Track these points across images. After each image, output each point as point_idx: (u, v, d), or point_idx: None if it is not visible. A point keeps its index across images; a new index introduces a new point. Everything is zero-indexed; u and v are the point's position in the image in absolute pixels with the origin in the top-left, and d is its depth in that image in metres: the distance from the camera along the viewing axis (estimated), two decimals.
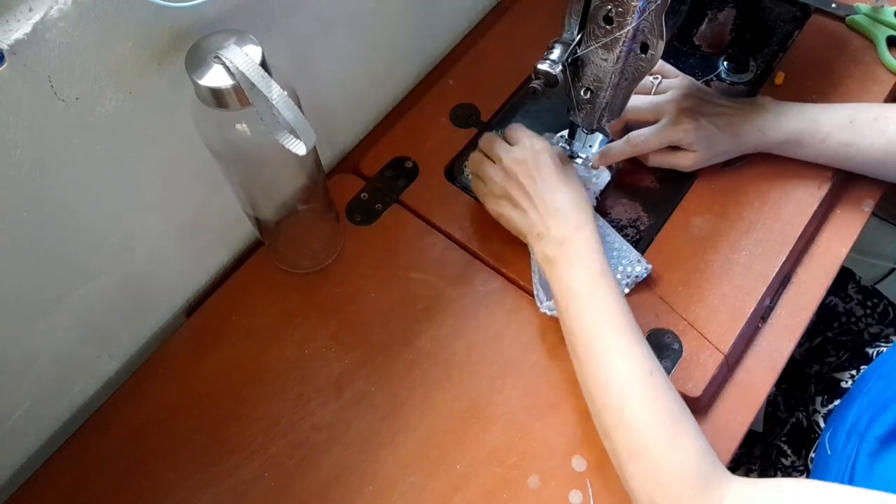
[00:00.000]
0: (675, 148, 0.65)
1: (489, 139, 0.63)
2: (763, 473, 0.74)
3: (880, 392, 0.56)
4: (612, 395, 0.51)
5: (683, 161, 0.65)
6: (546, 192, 0.58)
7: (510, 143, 0.62)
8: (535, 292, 0.61)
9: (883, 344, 0.71)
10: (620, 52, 0.52)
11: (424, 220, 0.67)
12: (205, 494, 0.55)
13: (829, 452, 0.58)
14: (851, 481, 0.53)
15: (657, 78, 0.68)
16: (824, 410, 0.67)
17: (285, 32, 0.55)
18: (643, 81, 0.67)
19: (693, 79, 0.67)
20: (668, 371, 0.58)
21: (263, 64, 0.42)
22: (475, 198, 0.68)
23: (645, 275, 0.61)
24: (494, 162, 0.62)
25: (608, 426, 0.51)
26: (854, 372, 0.69)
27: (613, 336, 0.52)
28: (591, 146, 0.67)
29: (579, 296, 0.54)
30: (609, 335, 0.52)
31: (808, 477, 0.67)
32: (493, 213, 0.62)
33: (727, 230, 0.64)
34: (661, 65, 0.69)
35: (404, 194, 0.68)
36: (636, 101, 0.65)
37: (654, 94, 0.67)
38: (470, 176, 0.66)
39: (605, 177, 0.66)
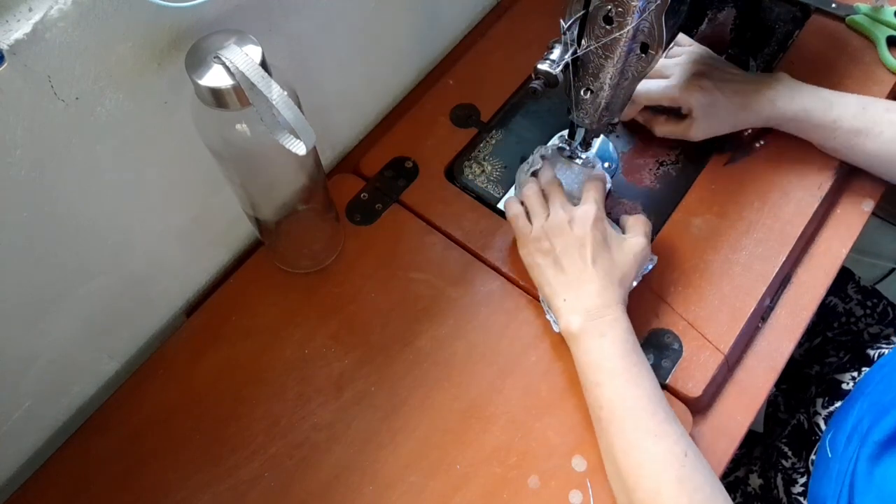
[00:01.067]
0: (681, 117, 0.65)
1: (553, 179, 0.62)
2: (763, 475, 0.74)
3: (881, 395, 0.56)
4: (646, 477, 0.49)
5: (688, 131, 0.64)
6: (596, 262, 0.56)
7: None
8: (547, 316, 0.60)
9: (884, 344, 0.71)
10: (620, 52, 0.52)
11: (424, 220, 0.67)
12: (205, 494, 0.55)
13: (830, 455, 0.58)
14: (852, 485, 0.53)
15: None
16: (825, 412, 0.67)
17: (285, 32, 0.55)
18: None
19: (707, 48, 0.67)
20: (668, 371, 0.58)
21: (263, 64, 0.42)
22: (475, 198, 0.68)
23: (651, 266, 0.61)
24: (548, 206, 0.60)
25: None
26: (855, 374, 0.69)
27: (646, 415, 0.51)
28: (590, 146, 0.67)
29: (610, 371, 0.53)
30: (642, 414, 0.51)
31: (808, 479, 0.67)
32: (525, 257, 0.60)
33: (727, 230, 0.64)
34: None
35: (404, 194, 0.68)
36: (646, 84, 0.65)
37: (665, 58, 0.67)
38: (506, 204, 0.63)
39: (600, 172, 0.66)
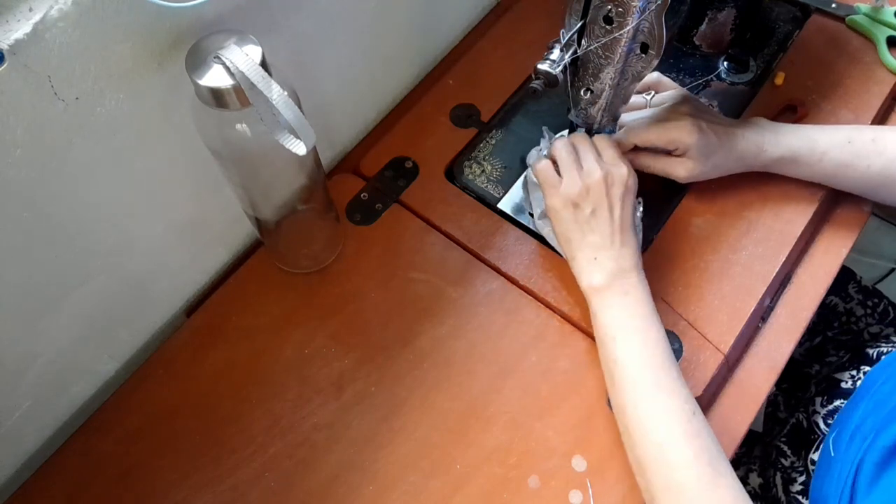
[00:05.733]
0: (669, 155, 0.63)
1: (583, 134, 0.60)
2: (763, 474, 0.74)
3: (887, 396, 0.56)
4: (654, 430, 0.50)
5: (678, 170, 0.62)
6: (625, 225, 0.56)
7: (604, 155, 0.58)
8: (528, 210, 0.63)
9: (883, 344, 0.71)
10: (620, 52, 0.52)
11: (424, 220, 0.67)
12: (205, 494, 0.55)
13: (833, 454, 0.58)
14: (854, 486, 0.52)
15: (650, 93, 0.66)
16: (824, 411, 0.67)
17: (285, 32, 0.55)
18: (635, 99, 0.65)
19: (689, 92, 0.65)
20: None
21: (263, 64, 0.42)
22: (475, 198, 0.68)
23: (638, 212, 0.60)
24: (581, 160, 0.58)
25: (646, 459, 0.50)
26: (854, 372, 0.69)
27: (661, 372, 0.52)
28: None
29: (629, 328, 0.54)
30: (656, 370, 0.52)
31: (807, 478, 0.67)
32: (552, 207, 0.58)
33: (727, 230, 0.64)
34: (657, 77, 0.67)
35: (404, 194, 0.68)
36: (633, 121, 0.63)
37: (649, 108, 0.65)
38: (533, 161, 0.61)
39: None
